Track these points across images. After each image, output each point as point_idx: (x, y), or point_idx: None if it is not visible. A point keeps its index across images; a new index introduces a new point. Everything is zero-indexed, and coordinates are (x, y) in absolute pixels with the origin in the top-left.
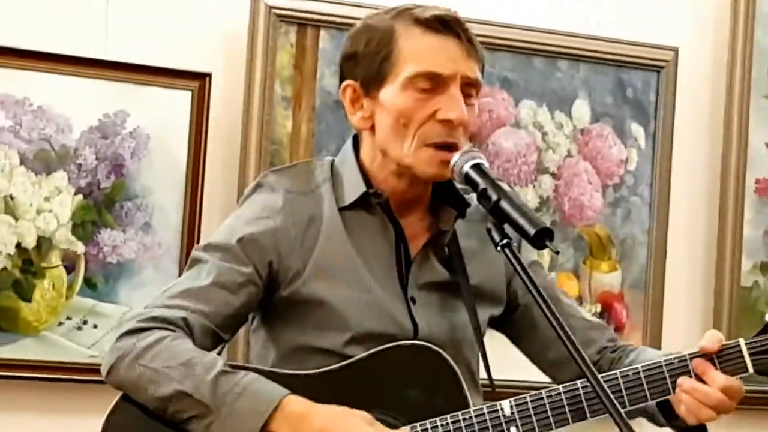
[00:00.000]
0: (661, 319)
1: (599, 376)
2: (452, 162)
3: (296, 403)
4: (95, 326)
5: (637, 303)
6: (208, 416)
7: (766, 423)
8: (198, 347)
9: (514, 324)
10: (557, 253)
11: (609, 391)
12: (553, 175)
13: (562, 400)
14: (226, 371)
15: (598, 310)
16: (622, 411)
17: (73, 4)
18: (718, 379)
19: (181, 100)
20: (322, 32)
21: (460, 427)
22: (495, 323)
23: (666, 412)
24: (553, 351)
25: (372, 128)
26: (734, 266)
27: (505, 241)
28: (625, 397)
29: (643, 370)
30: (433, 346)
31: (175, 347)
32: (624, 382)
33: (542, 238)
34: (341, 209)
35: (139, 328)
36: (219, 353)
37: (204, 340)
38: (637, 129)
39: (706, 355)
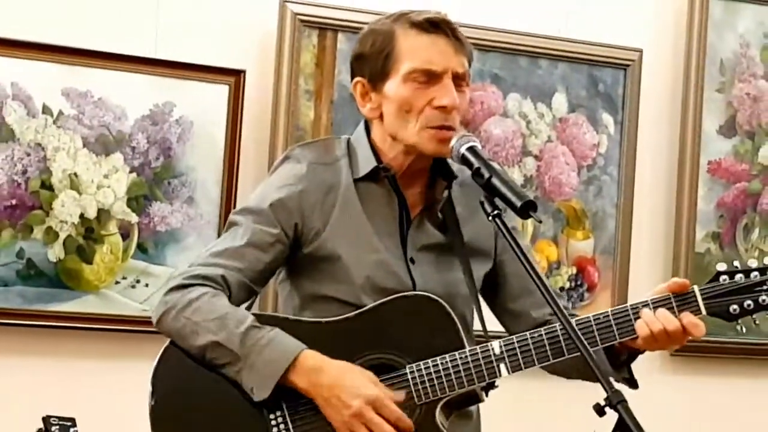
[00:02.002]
0: (627, 280)
1: (573, 320)
2: (451, 144)
3: (312, 357)
4: (146, 285)
5: (606, 266)
6: (237, 363)
7: (705, 369)
8: (234, 299)
9: (487, 277)
10: (539, 222)
11: (578, 330)
12: (536, 158)
13: (543, 340)
14: (254, 326)
15: (574, 272)
16: (589, 347)
17: (128, 10)
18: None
19: (219, 92)
20: (340, 35)
21: (458, 365)
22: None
23: (613, 361)
24: (515, 304)
25: (380, 117)
26: (690, 235)
27: (496, 212)
28: (597, 337)
29: (612, 314)
30: (433, 296)
31: (213, 303)
32: (596, 324)
33: (527, 209)
34: (356, 180)
35: (184, 284)
36: (251, 303)
37: (239, 293)
38: (607, 118)
39: (665, 300)
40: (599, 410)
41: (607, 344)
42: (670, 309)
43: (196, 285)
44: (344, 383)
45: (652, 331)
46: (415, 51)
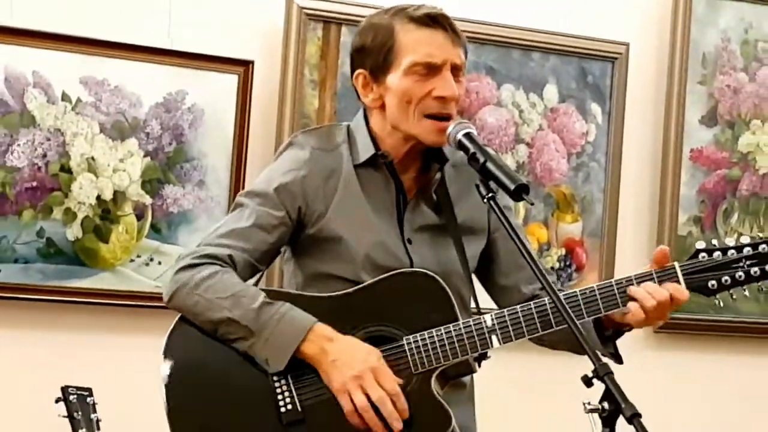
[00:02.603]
0: (614, 261)
1: (561, 294)
2: (448, 131)
3: (324, 329)
4: (159, 263)
5: (594, 248)
6: (250, 338)
7: (687, 345)
8: (240, 277)
9: (481, 254)
10: (532, 204)
11: (566, 304)
12: (528, 145)
13: (532, 313)
14: (267, 302)
15: (563, 253)
16: (575, 318)
17: (144, 2)
18: (668, 286)
19: (229, 82)
20: (344, 29)
21: (452, 336)
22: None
23: (600, 337)
24: (506, 279)
25: (381, 106)
26: (672, 219)
27: (490, 195)
28: (583, 310)
29: (598, 289)
30: (429, 272)
31: (225, 281)
32: (582, 298)
33: (520, 192)
34: (356, 166)
35: (193, 264)
36: (258, 279)
37: (245, 271)
38: (595, 108)
39: (649, 275)
40: (587, 382)
41: (593, 316)
42: (652, 282)
43: (205, 264)
44: (354, 351)
45: (645, 307)
46: (416, 45)
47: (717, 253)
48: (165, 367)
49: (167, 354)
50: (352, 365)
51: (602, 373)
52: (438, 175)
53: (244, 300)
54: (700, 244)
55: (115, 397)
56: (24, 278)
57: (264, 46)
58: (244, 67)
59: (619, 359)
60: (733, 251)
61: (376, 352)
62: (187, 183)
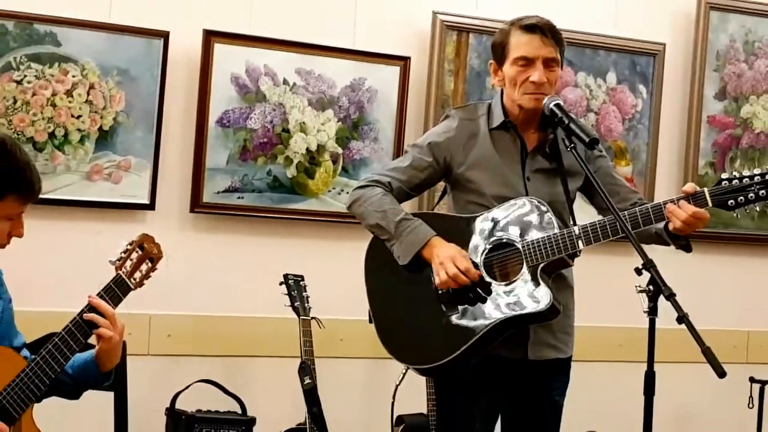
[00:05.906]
0: (654, 192)
1: (621, 213)
2: (543, 102)
3: (437, 239)
4: (347, 193)
5: (640, 183)
6: (392, 240)
7: (704, 249)
8: (396, 199)
9: (584, 189)
10: (600, 152)
11: (624, 220)
12: (595, 113)
13: (606, 225)
14: (406, 218)
15: None
16: (630, 229)
17: (338, 17)
18: (688, 207)
19: (394, 71)
20: (471, 35)
21: (551, 241)
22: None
23: (668, 236)
24: (603, 203)
25: (504, 86)
26: (694, 164)
27: (572, 145)
28: (639, 221)
29: (638, 210)
30: (536, 198)
31: (382, 199)
32: (635, 214)
33: (593, 143)
34: (491, 130)
35: (366, 185)
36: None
37: (399, 195)
38: (642, 88)
39: (685, 197)
40: (638, 271)
41: (639, 229)
42: (687, 201)
43: (373, 186)
44: (445, 250)
45: (680, 218)
46: (518, 45)
47: (735, 181)
48: (368, 259)
49: (368, 255)
50: (439, 256)
51: (649, 265)
52: (552, 136)
53: (390, 214)
54: (725, 175)
55: (319, 283)
56: (258, 202)
57: (416, 46)
58: (403, 61)
59: (688, 248)
60: (746, 179)
61: (460, 249)
62: (366, 139)
